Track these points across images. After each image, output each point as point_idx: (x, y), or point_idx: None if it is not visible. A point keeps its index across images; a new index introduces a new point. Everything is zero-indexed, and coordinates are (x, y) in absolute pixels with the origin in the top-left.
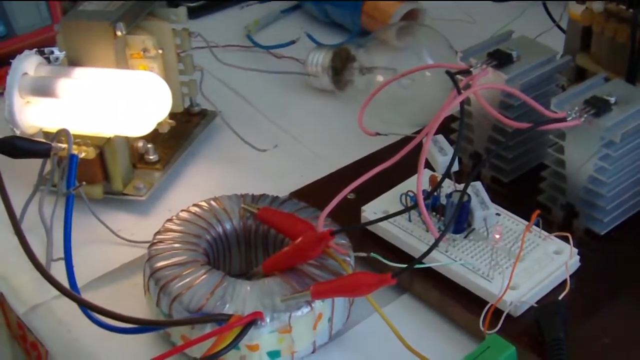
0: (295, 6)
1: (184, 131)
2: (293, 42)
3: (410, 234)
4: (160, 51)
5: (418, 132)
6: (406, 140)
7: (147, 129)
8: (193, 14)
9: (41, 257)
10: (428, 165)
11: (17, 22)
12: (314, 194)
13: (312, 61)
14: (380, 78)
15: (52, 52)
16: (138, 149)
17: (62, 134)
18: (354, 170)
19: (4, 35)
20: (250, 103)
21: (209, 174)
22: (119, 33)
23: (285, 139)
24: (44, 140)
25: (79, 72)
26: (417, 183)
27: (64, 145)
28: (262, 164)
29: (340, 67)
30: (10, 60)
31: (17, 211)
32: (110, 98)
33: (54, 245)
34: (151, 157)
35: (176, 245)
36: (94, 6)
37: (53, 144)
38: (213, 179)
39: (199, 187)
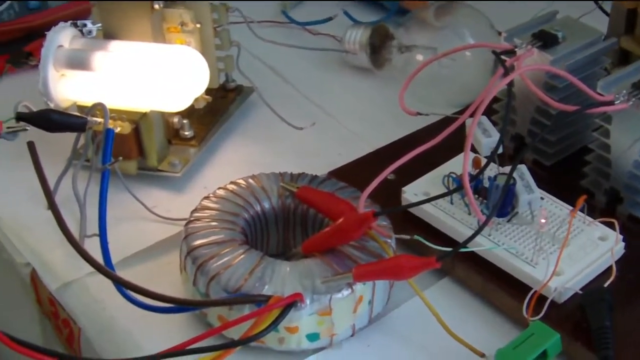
0: None
1: (219, 107)
2: (330, 19)
3: (452, 217)
4: (197, 25)
5: (458, 112)
6: (445, 121)
7: (184, 104)
8: None
9: (74, 233)
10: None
11: None
12: (352, 173)
13: (350, 38)
14: (419, 57)
15: (84, 25)
16: (173, 125)
17: (98, 108)
18: (393, 151)
19: (37, 8)
20: (287, 80)
21: (245, 151)
22: (156, 7)
23: (322, 117)
24: (79, 114)
25: (114, 45)
26: (464, 165)
27: (100, 120)
28: (299, 142)
29: (379, 45)
30: (45, 33)
31: (50, 186)
32: (147, 72)
33: (87, 222)
34: (186, 133)
35: (213, 223)
36: None
37: (89, 118)
38: (249, 157)
39: (235, 165)
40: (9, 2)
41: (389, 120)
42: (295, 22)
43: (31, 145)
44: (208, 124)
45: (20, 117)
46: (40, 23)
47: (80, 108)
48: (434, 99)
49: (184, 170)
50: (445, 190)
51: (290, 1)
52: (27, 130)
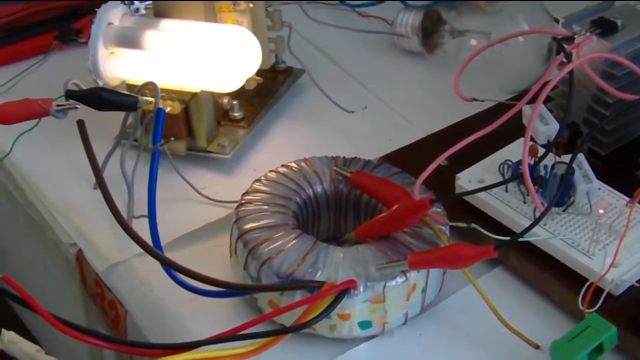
0: None
1: (269, 89)
2: (381, 1)
3: (507, 205)
4: (250, 5)
5: (512, 99)
6: (499, 107)
7: (235, 84)
8: None
9: (122, 214)
10: (523, 132)
11: None
12: (404, 159)
13: (402, 22)
14: (473, 42)
15: (132, 3)
16: (223, 106)
17: (149, 87)
18: (446, 137)
19: None
20: (337, 63)
21: (294, 134)
22: None
23: (372, 101)
24: (130, 93)
25: (165, 24)
26: (523, 154)
27: (151, 99)
28: (349, 126)
29: (430, 29)
30: (94, 10)
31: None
32: (199, 52)
33: (135, 202)
34: (236, 115)
35: (265, 207)
36: None
37: (140, 97)
38: (298, 139)
39: (284, 147)
40: None
41: (441, 105)
42: (345, 4)
43: (81, 124)
44: (257, 106)
45: (70, 94)
46: (88, 0)
47: (130, 87)
48: (486, 85)
49: (233, 152)
50: (501, 178)
51: None
52: (77, 108)
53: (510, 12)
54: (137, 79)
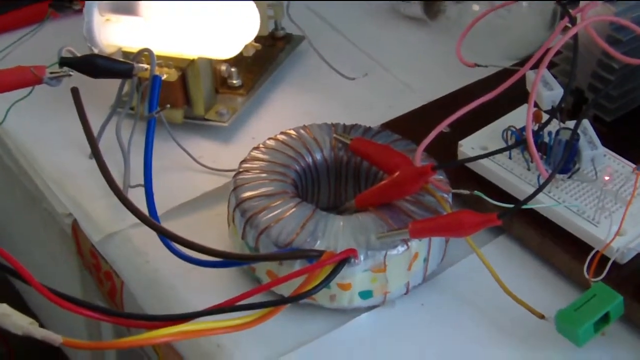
0: None
1: (268, 56)
2: None
3: (510, 172)
4: None
5: (516, 65)
6: (502, 73)
7: (233, 50)
8: None
9: (118, 184)
10: (526, 98)
11: None
12: (406, 126)
13: None
14: (475, 7)
15: None
16: (221, 73)
17: (144, 54)
18: (448, 103)
19: None
20: (337, 29)
21: (294, 102)
22: None
23: (373, 67)
24: (125, 60)
25: None
26: (527, 120)
27: (147, 66)
28: (350, 93)
29: None
30: None
31: (94, 134)
32: (195, 17)
33: (131, 172)
34: (234, 82)
35: (263, 175)
36: None
37: (135, 64)
38: (298, 107)
39: (283, 115)
40: None
41: (443, 72)
42: None
43: (75, 92)
44: (256, 73)
45: (64, 62)
46: None
47: (126, 54)
48: (489, 51)
49: (232, 119)
50: (504, 145)
51: None
52: (70, 75)
53: None
54: (133, 46)
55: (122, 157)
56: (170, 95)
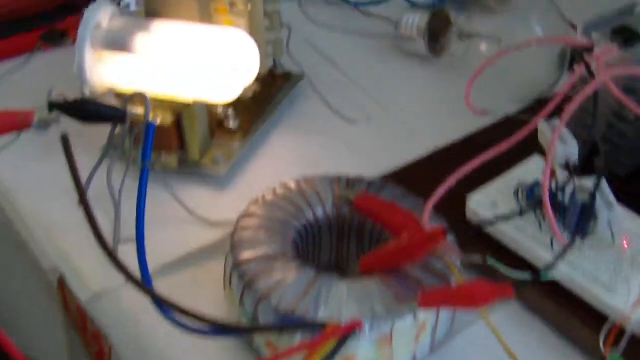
0: None
1: (266, 96)
2: (386, 0)
3: (521, 232)
4: (249, 7)
5: (525, 110)
6: (512, 119)
7: (233, 95)
8: None
9: (108, 236)
10: (536, 149)
11: None
12: (410, 177)
13: (408, 23)
14: (483, 47)
15: None
16: (217, 115)
17: (139, 98)
18: (454, 152)
19: None
20: (337, 66)
21: (293, 146)
22: None
23: (375, 110)
24: (117, 106)
25: (157, 25)
26: (543, 180)
27: (141, 112)
28: (352, 137)
29: (437, 32)
30: (83, 10)
31: (82, 181)
32: (193, 57)
33: (122, 221)
34: (231, 125)
35: (262, 233)
36: None
37: (128, 110)
38: (297, 152)
39: (282, 160)
40: None
41: (447, 114)
42: (347, 2)
43: (65, 140)
44: (254, 115)
45: (53, 106)
46: None
47: (119, 95)
48: (495, 91)
49: (228, 167)
50: (515, 201)
51: None
52: (59, 121)
53: (521, 12)
54: (126, 86)
55: (113, 206)
56: (164, 140)
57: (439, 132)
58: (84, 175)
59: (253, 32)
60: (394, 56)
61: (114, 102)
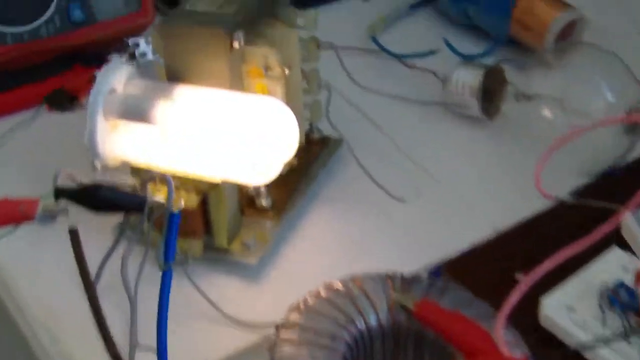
0: (427, 0)
1: (302, 165)
2: (432, 53)
3: (604, 345)
4: (287, 71)
5: (595, 187)
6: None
7: (269, 175)
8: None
9: (122, 339)
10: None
11: (99, 7)
12: (470, 267)
13: (458, 80)
14: (546, 112)
15: (137, 45)
16: (247, 192)
17: (160, 180)
18: (518, 237)
19: (83, 21)
20: (379, 127)
21: (334, 225)
22: (236, 45)
23: (424, 181)
24: (134, 191)
25: (181, 91)
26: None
27: (162, 199)
28: (400, 215)
29: (492, 91)
30: (95, 70)
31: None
32: (223, 130)
33: (139, 317)
34: (263, 203)
35: (306, 348)
36: (204, 4)
37: (148, 197)
38: (339, 232)
39: (322, 243)
40: (48, 14)
41: (507, 187)
42: (388, 52)
43: (74, 234)
44: (289, 189)
45: (60, 193)
46: (86, 41)
47: (135, 171)
48: (561, 163)
49: (261, 254)
50: (597, 308)
51: (380, 23)
52: (67, 212)
53: (583, 67)
54: (144, 160)
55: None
56: (188, 224)
57: (499, 210)
58: (94, 261)
59: (290, 97)
60: (441, 116)
61: (128, 178)
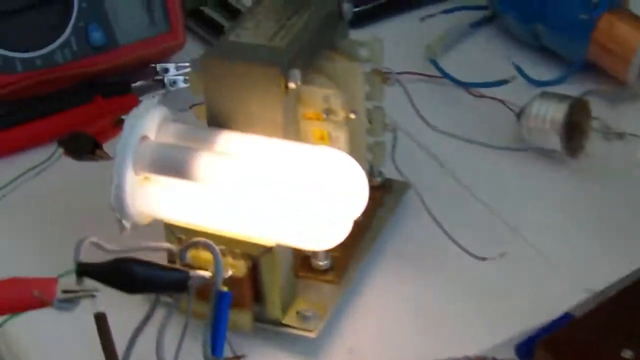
0: (489, 17)
1: (365, 215)
2: (504, 82)
3: None
4: (352, 116)
5: None
6: None
7: (334, 240)
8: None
9: None
10: None
11: (121, 29)
12: (569, 345)
13: (539, 113)
14: None
15: (166, 71)
16: (303, 252)
17: (203, 249)
18: (621, 303)
19: (102, 46)
20: (448, 169)
21: (404, 290)
22: (292, 85)
23: (505, 234)
24: (176, 266)
25: (225, 140)
26: None
27: (208, 275)
28: (480, 276)
29: (576, 127)
30: (120, 118)
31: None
32: (277, 187)
33: None
34: (321, 264)
35: None
36: (252, 35)
37: (191, 273)
38: (410, 299)
39: (390, 312)
40: (64, 37)
41: (599, 242)
42: (452, 79)
43: (101, 319)
44: (350, 248)
45: (83, 271)
46: (107, 68)
47: (169, 229)
48: None
49: (322, 326)
50: None
51: (438, 43)
52: (94, 296)
53: None
54: (181, 219)
55: None
56: (236, 294)
57: (590, 270)
58: (122, 334)
59: (353, 143)
60: (516, 154)
61: (162, 241)
